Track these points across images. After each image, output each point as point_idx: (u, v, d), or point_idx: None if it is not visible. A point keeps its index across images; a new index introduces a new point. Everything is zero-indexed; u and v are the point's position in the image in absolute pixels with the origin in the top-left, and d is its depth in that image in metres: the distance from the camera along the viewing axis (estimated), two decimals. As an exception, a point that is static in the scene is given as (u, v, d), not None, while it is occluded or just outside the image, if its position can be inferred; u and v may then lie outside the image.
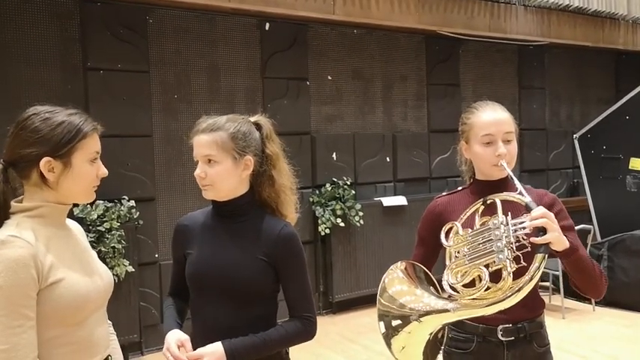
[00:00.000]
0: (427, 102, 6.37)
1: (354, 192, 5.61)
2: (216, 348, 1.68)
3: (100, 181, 1.60)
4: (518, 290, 1.60)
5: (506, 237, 1.69)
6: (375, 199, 5.84)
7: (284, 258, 1.77)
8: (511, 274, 1.65)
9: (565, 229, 1.77)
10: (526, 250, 1.68)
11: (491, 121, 1.88)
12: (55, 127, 1.49)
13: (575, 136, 6.47)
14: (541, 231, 1.63)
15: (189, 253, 1.83)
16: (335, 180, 5.59)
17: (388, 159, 6.06)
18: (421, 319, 1.67)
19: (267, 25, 5.29)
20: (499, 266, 1.68)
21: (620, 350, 4.50)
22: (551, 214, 1.66)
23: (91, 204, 4.22)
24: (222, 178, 1.75)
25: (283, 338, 1.75)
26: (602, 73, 7.92)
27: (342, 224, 5.43)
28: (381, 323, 1.74)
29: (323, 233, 5.44)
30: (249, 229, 1.79)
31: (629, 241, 5.47)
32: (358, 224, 5.53)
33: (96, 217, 4.20)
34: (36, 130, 1.49)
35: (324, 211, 5.40)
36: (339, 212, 5.40)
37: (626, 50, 7.69)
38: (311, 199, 5.49)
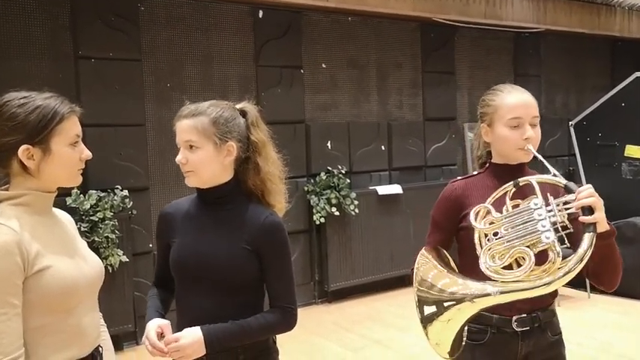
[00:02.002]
0: (422, 90, 6.34)
1: (348, 181, 5.59)
2: (194, 331, 1.67)
3: (84, 164, 1.57)
4: (569, 272, 1.55)
5: (551, 217, 1.64)
6: (370, 187, 5.82)
7: (267, 247, 1.75)
8: (560, 255, 1.60)
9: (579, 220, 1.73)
10: (568, 231, 1.64)
11: (519, 103, 1.84)
12: (29, 113, 1.46)
13: (570, 123, 6.44)
14: (587, 211, 1.60)
15: (173, 242, 1.82)
16: (330, 169, 5.56)
17: (383, 147, 6.03)
18: (475, 300, 1.61)
19: (261, 13, 5.24)
20: (545, 247, 1.62)
21: (615, 337, 4.51)
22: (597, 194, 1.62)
23: (84, 194, 4.19)
24: (203, 163, 1.73)
25: (262, 327, 1.74)
26: (597, 60, 7.90)
27: (337, 213, 5.42)
28: (425, 307, 1.67)
29: (318, 222, 5.43)
30: (234, 217, 1.77)
31: (624, 228, 5.48)
32: (353, 213, 5.52)
33: (89, 206, 4.17)
34: (11, 117, 1.46)
35: (319, 200, 5.39)
36: (334, 201, 5.38)
37: (622, 37, 7.67)
38: (306, 188, 5.47)
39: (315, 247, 5.60)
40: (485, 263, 1.67)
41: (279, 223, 1.78)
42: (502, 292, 1.58)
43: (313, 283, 5.63)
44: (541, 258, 1.63)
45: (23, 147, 1.45)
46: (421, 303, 1.67)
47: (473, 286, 1.63)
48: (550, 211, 1.65)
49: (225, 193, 1.79)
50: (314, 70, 5.62)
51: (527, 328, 1.84)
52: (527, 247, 1.64)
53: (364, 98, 5.96)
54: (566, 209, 1.64)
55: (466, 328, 1.71)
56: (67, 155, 1.51)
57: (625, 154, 5.88)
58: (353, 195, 5.50)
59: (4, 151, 1.47)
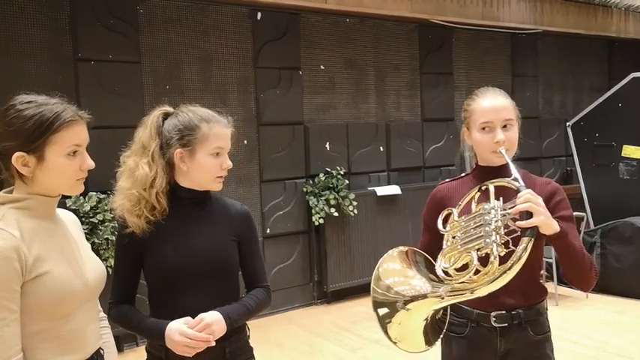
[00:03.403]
0: (420, 91, 6.36)
1: (347, 182, 5.60)
2: (212, 312, 1.74)
3: (85, 174, 1.55)
4: (503, 274, 1.60)
5: (495, 221, 1.69)
6: (369, 188, 5.84)
7: (247, 234, 1.90)
8: (497, 258, 1.65)
9: (563, 219, 1.79)
10: (516, 234, 1.68)
11: (490, 107, 1.89)
12: (27, 120, 1.45)
13: (568, 123, 6.48)
14: (527, 215, 1.64)
15: (150, 250, 1.81)
16: (328, 170, 5.58)
17: (382, 148, 6.05)
18: (410, 304, 1.67)
19: (259, 15, 5.26)
20: (487, 250, 1.68)
21: (612, 336, 4.53)
22: (537, 198, 1.66)
23: (84, 196, 4.20)
24: None
25: (258, 305, 1.87)
26: (594, 60, 7.92)
27: (336, 214, 5.43)
28: (378, 310, 1.72)
29: (317, 223, 5.44)
30: (215, 212, 1.87)
31: (621, 228, 5.50)
32: (352, 214, 5.54)
33: (89, 208, 4.19)
34: (10, 122, 1.45)
35: (318, 201, 5.40)
36: (332, 202, 5.40)
37: (619, 38, 7.70)
38: (304, 189, 5.49)
39: (314, 247, 5.61)
40: (439, 266, 1.76)
41: (249, 210, 1.97)
42: (450, 294, 1.64)
43: (312, 283, 5.64)
44: (488, 261, 1.68)
45: (17, 154, 1.44)
46: (375, 305, 1.73)
47: (422, 286, 1.69)
48: (495, 216, 1.71)
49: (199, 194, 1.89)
50: (312, 71, 5.63)
51: (506, 324, 1.87)
52: (478, 250, 1.70)
53: (362, 99, 5.98)
54: (509, 213, 1.69)
55: (438, 316, 1.74)
56: (62, 165, 1.48)
57: (622, 154, 5.90)
58: (352, 196, 5.51)
59: (4, 155, 1.47)
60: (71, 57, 4.45)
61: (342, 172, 5.60)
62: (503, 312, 1.86)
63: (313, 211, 5.40)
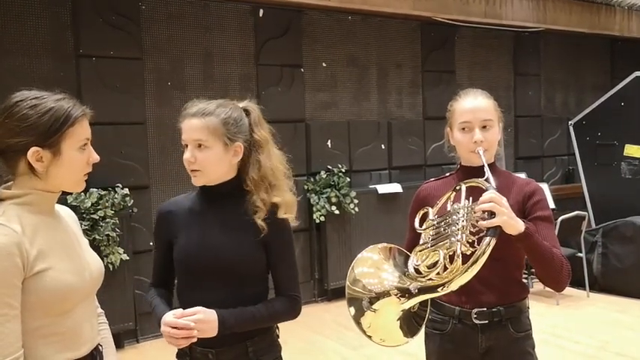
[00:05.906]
0: (422, 89, 6.35)
1: (348, 179, 5.60)
2: (210, 311, 1.68)
3: (91, 168, 1.56)
4: (465, 272, 1.62)
5: (461, 221, 1.73)
6: (370, 186, 5.84)
7: (276, 239, 1.79)
8: (460, 257, 1.68)
9: (540, 220, 1.83)
10: (483, 234, 1.70)
11: (469, 108, 1.91)
12: (42, 115, 1.44)
13: (570, 122, 6.46)
14: (493, 215, 1.66)
15: (176, 239, 1.81)
16: (330, 167, 5.58)
17: (383, 146, 6.05)
18: (378, 301, 1.72)
19: (261, 12, 5.25)
20: (454, 249, 1.71)
21: (613, 335, 4.52)
22: (501, 199, 1.68)
23: (85, 192, 4.20)
24: (211, 163, 1.75)
25: (271, 314, 1.79)
26: (597, 59, 7.91)
27: (337, 212, 5.43)
28: (351, 308, 1.80)
29: (318, 221, 5.44)
30: (239, 212, 1.79)
31: (623, 227, 5.49)
32: (353, 212, 5.53)
33: (90, 205, 4.18)
34: (23, 118, 1.43)
35: (319, 199, 5.40)
36: (333, 200, 5.39)
37: (622, 37, 7.68)
38: (306, 187, 5.48)
39: (315, 245, 5.61)
40: (411, 263, 1.81)
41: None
42: (420, 291, 1.67)
43: (313, 281, 5.64)
44: (463, 259, 1.69)
45: (33, 149, 1.43)
46: (349, 302, 1.80)
47: (394, 282, 1.73)
48: (462, 215, 1.74)
49: (229, 190, 1.81)
50: (314, 68, 5.63)
51: (487, 321, 1.89)
52: (447, 249, 1.73)
53: (364, 97, 5.97)
54: (474, 213, 1.72)
55: (414, 309, 1.77)
56: (75, 159, 1.50)
57: (624, 154, 5.89)
58: (353, 194, 5.51)
59: (13, 151, 1.45)
60: (73, 53, 4.45)
61: (343, 170, 5.60)
62: (484, 309, 1.89)
63: (314, 209, 5.40)
